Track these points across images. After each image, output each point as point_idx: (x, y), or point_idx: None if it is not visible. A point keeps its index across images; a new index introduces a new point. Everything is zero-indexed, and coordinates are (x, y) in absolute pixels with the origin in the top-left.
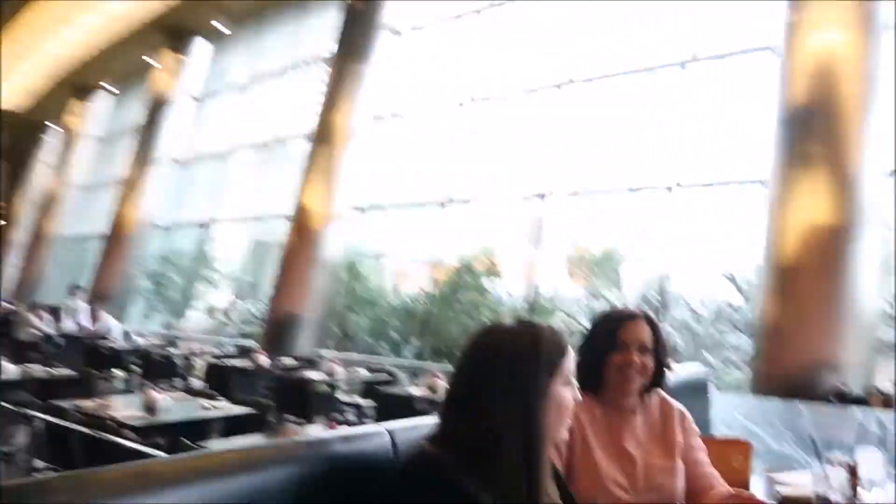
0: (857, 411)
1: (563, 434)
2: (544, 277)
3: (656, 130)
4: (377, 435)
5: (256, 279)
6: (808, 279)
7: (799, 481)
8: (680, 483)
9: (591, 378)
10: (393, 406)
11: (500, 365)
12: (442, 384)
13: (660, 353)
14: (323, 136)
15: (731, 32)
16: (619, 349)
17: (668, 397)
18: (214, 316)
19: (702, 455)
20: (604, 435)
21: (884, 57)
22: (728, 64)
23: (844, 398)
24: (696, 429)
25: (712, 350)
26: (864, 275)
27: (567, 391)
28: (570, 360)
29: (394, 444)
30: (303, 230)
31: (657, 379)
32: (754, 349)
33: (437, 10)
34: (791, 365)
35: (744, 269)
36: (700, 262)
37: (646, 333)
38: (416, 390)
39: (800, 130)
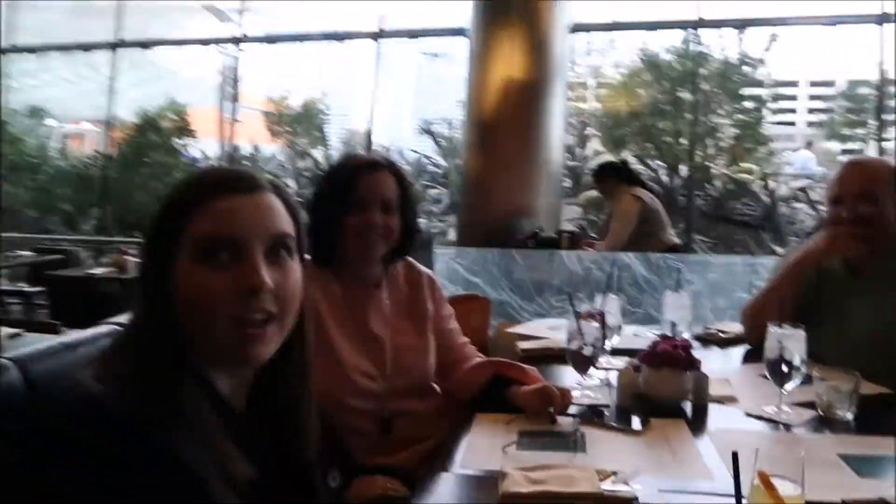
0: (564, 255)
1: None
2: (241, 135)
3: None
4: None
5: None
6: (505, 133)
7: (532, 332)
8: (432, 360)
9: (324, 247)
10: (70, 291)
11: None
12: (133, 261)
13: (407, 211)
14: None
15: None
16: (357, 208)
17: (415, 263)
18: None
19: (453, 323)
20: (344, 317)
21: None
22: None
23: (541, 242)
24: (445, 296)
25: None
26: (553, 129)
27: (198, 271)
28: (203, 224)
29: (27, 381)
30: None
31: (404, 244)
32: (458, 201)
33: None
34: (492, 214)
35: (442, 123)
36: (400, 115)
37: (389, 187)
38: (100, 270)
39: None
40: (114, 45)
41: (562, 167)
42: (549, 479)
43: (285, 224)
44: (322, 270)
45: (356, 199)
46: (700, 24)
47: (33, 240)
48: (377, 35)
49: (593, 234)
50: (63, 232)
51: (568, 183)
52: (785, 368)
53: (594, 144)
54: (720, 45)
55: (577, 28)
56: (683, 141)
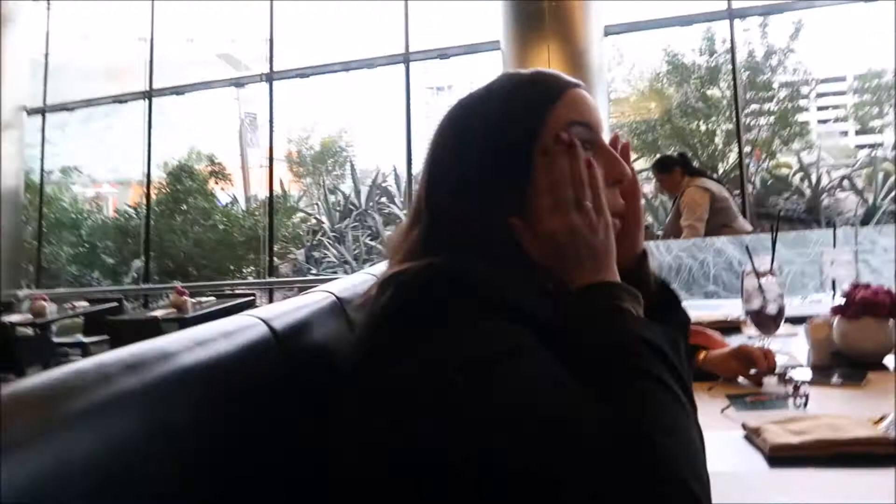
0: (653, 245)
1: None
2: (266, 176)
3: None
4: (249, 327)
5: None
6: None
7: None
8: None
9: None
10: (133, 335)
11: (468, 141)
12: (190, 301)
13: None
14: None
15: None
16: None
17: None
18: None
19: None
20: None
21: None
22: None
23: None
24: None
25: None
26: None
27: (566, 156)
28: (568, 110)
29: (273, 332)
30: None
31: None
32: None
33: None
34: None
35: None
36: (424, 142)
37: None
38: (161, 311)
39: None
40: (147, 95)
41: None
42: (812, 428)
43: None
44: None
45: None
46: (732, 14)
47: (79, 294)
48: (406, 59)
49: (657, 233)
50: (104, 285)
51: None
52: None
53: None
54: (745, 39)
55: (609, 31)
56: (717, 140)
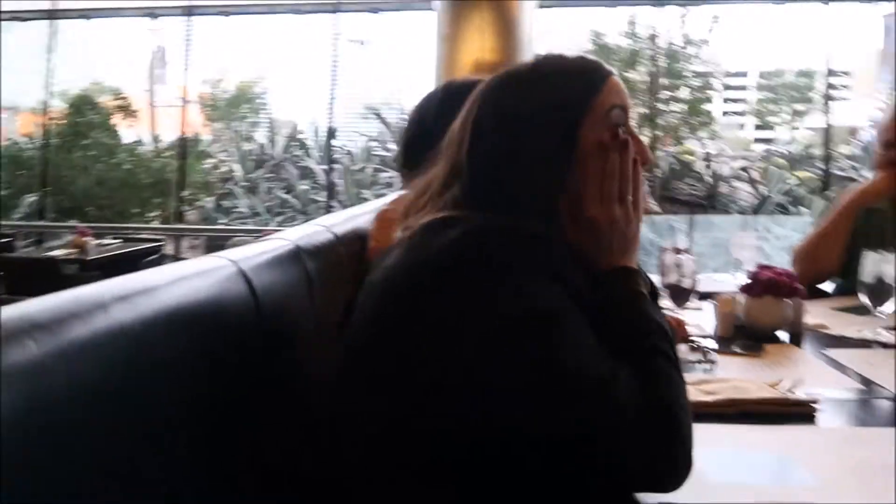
0: None
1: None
2: (178, 117)
3: None
4: (220, 268)
5: None
6: None
7: None
8: None
9: None
10: (29, 274)
11: (518, 118)
12: (93, 242)
13: None
14: None
15: None
16: None
17: None
18: None
19: None
20: None
21: None
22: None
23: None
24: None
25: (371, 188)
26: None
27: (617, 152)
28: (610, 95)
29: (242, 273)
30: None
31: None
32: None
33: None
34: None
35: (387, 108)
36: (346, 96)
37: None
38: (60, 251)
39: None
40: (51, 15)
41: None
42: (721, 389)
43: None
44: None
45: None
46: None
47: None
48: (336, 8)
49: None
50: None
51: None
52: (882, 291)
53: None
54: (666, 27)
55: (542, 5)
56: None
